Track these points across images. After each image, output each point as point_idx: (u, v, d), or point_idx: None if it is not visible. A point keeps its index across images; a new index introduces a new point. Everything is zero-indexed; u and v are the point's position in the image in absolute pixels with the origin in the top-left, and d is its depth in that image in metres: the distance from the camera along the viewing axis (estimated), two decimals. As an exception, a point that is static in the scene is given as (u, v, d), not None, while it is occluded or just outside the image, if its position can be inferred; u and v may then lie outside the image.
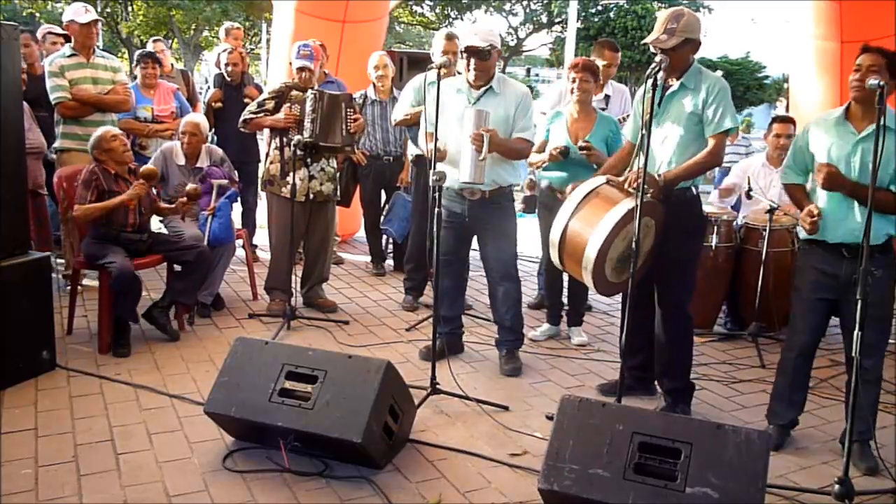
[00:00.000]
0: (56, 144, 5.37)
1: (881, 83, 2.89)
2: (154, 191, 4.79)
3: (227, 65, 6.32)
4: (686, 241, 3.72)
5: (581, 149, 4.45)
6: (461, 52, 4.16)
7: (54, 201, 5.34)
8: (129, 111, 5.61)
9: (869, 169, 3.18)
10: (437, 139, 3.93)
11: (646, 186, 3.32)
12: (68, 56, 5.27)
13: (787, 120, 5.54)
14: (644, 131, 3.29)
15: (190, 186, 4.72)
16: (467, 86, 4.19)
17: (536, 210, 4.98)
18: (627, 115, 5.20)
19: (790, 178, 3.59)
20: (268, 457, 3.18)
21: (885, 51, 3.24)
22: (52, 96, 5.20)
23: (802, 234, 3.52)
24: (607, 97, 5.36)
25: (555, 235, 3.64)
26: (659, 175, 3.54)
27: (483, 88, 4.16)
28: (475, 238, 4.46)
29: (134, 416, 3.57)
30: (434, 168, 3.75)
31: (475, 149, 3.89)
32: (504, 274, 4.35)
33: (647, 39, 3.57)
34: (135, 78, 6.10)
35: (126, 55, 26.23)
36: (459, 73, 5.30)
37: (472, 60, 4.07)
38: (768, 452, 2.64)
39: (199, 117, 5.32)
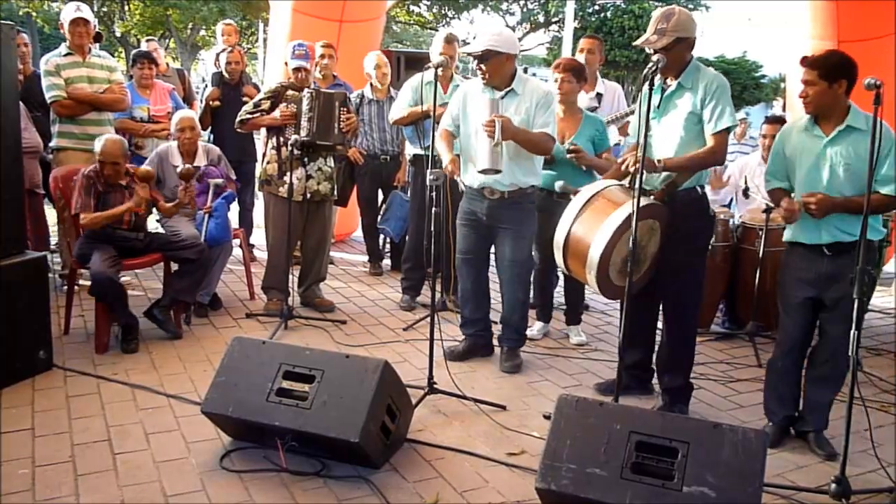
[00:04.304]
0: (52, 143, 5.35)
1: (877, 82, 2.89)
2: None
3: (228, 63, 6.32)
4: (692, 243, 3.70)
5: (569, 152, 4.45)
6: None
7: (51, 201, 5.33)
8: (126, 110, 5.60)
9: (838, 172, 3.30)
10: (433, 139, 3.95)
11: (647, 170, 3.31)
12: (64, 55, 5.26)
13: (776, 121, 5.54)
14: (643, 134, 3.29)
15: (182, 167, 4.69)
16: (490, 87, 4.18)
17: None
18: (620, 115, 5.23)
19: (772, 183, 3.62)
20: (265, 456, 3.18)
21: (815, 60, 3.32)
22: (47, 95, 5.19)
23: (785, 237, 3.56)
24: (599, 95, 5.36)
25: (559, 239, 3.65)
26: (659, 161, 3.53)
27: (506, 89, 4.16)
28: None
29: (131, 416, 3.57)
30: (431, 167, 3.75)
31: (488, 135, 3.90)
32: (516, 273, 4.35)
33: (639, 41, 3.59)
34: (131, 78, 6.10)
35: (122, 55, 26.18)
36: (455, 74, 5.34)
37: (479, 64, 4.09)
38: (765, 451, 2.65)
39: (190, 112, 5.31)
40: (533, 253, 4.75)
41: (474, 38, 4.18)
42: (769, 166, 3.64)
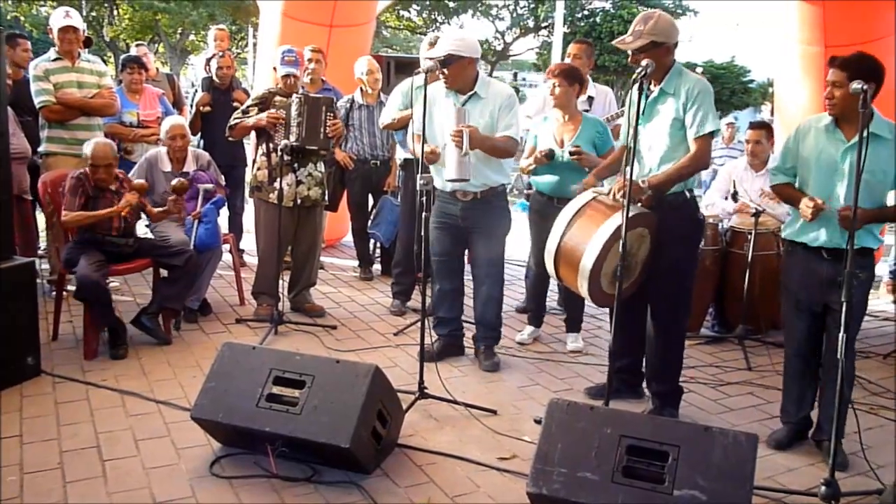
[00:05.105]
0: (41, 149, 5.33)
1: (864, 87, 2.90)
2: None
3: (219, 68, 6.30)
4: (682, 246, 3.71)
5: (571, 154, 4.44)
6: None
7: (40, 206, 5.30)
8: (115, 115, 5.58)
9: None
10: (424, 142, 3.96)
11: (633, 196, 3.32)
12: (53, 60, 5.24)
13: (760, 126, 5.58)
14: (630, 140, 3.30)
15: (175, 181, 4.69)
16: (453, 91, 4.21)
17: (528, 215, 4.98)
18: (611, 116, 5.24)
19: (778, 178, 3.58)
20: (255, 462, 3.16)
21: (846, 61, 3.23)
22: (36, 100, 5.17)
23: (785, 234, 3.56)
24: (590, 98, 5.38)
25: (551, 247, 3.66)
26: (643, 182, 3.54)
27: (469, 93, 4.18)
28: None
29: (120, 422, 3.55)
30: (421, 172, 3.76)
31: (456, 145, 3.94)
32: (489, 272, 4.40)
33: (615, 41, 3.62)
34: (120, 82, 6.08)
35: (112, 59, 26.09)
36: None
37: (442, 68, 4.10)
38: (755, 454, 2.66)
39: (180, 118, 5.31)
40: (529, 258, 4.77)
41: (439, 45, 4.19)
42: (778, 162, 3.60)
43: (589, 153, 4.45)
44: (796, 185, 3.52)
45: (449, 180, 4.10)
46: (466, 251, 4.56)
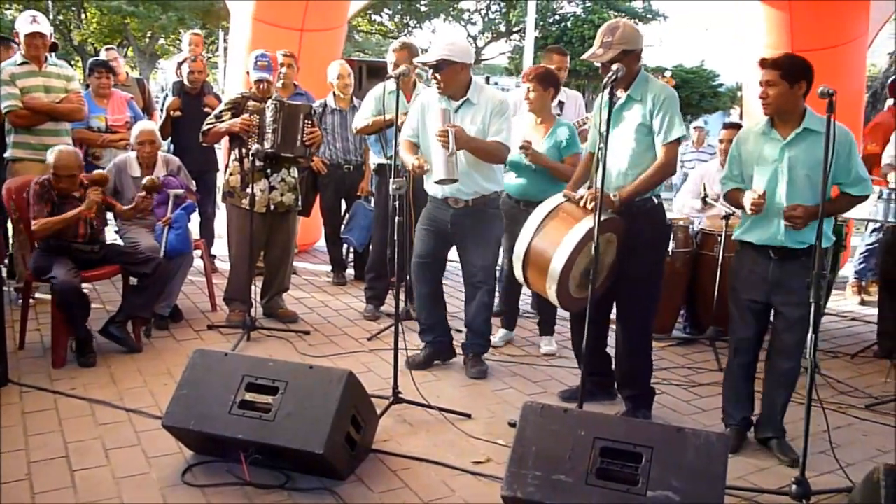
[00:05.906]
0: (7, 154, 5.24)
1: (830, 91, 2.96)
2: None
3: (191, 72, 6.24)
4: (649, 251, 3.74)
5: (520, 148, 4.46)
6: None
7: (5, 213, 5.21)
8: (83, 120, 5.51)
9: (797, 172, 3.33)
10: (396, 148, 3.95)
11: (603, 207, 3.35)
12: (19, 64, 5.16)
13: (734, 127, 5.66)
14: (601, 146, 3.32)
15: (146, 179, 4.63)
16: (447, 97, 4.20)
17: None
18: (581, 121, 5.27)
19: (728, 186, 3.65)
20: (228, 470, 3.13)
21: (777, 60, 3.33)
22: (2, 105, 5.09)
23: (735, 235, 3.61)
24: (561, 104, 5.41)
25: (519, 251, 3.66)
26: (614, 195, 3.56)
27: (462, 99, 4.19)
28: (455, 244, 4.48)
29: (90, 432, 3.50)
30: (394, 176, 3.75)
31: (442, 145, 3.93)
32: (483, 280, 4.39)
33: (585, 55, 3.62)
34: (87, 87, 6.00)
35: (80, 63, 25.75)
36: (419, 83, 5.35)
37: (434, 73, 4.11)
38: (727, 454, 2.69)
39: (151, 124, 5.26)
40: (502, 260, 4.75)
41: (430, 49, 4.20)
42: (726, 171, 3.67)
43: (539, 152, 4.45)
44: (744, 188, 3.58)
45: (437, 181, 4.07)
46: (453, 256, 4.55)
